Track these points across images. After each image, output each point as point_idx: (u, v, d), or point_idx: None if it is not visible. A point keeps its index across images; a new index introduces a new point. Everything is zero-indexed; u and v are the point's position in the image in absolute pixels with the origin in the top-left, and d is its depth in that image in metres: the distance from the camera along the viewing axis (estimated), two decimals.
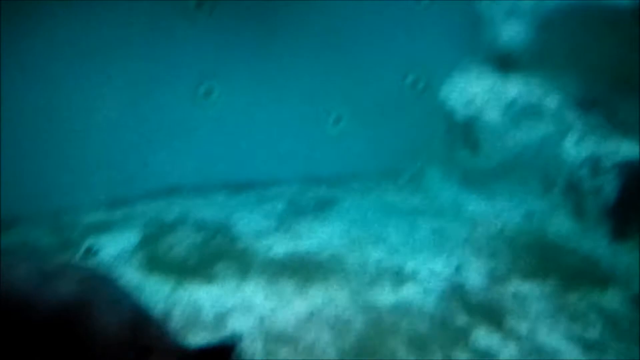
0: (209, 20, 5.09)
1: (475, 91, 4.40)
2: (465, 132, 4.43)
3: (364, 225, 4.48)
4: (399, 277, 3.66)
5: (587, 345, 3.00)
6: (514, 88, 4.22)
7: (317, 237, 4.25)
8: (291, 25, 5.24)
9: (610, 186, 3.75)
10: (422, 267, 3.77)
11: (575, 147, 3.99)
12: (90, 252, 4.25)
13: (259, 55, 5.30)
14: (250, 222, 4.59)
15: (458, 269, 3.72)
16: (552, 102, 4.10)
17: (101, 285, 1.65)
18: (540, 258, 3.84)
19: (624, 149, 3.80)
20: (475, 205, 4.51)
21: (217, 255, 4.06)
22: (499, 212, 4.38)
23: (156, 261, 4.05)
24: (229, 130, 5.44)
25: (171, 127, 5.32)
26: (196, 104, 5.29)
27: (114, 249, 4.22)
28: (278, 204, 5.00)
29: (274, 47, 5.26)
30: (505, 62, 4.34)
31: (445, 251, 3.99)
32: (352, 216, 4.64)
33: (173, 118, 5.30)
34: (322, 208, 4.84)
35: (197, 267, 3.94)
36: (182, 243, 4.27)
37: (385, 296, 3.47)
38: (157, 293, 3.49)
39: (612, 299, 3.33)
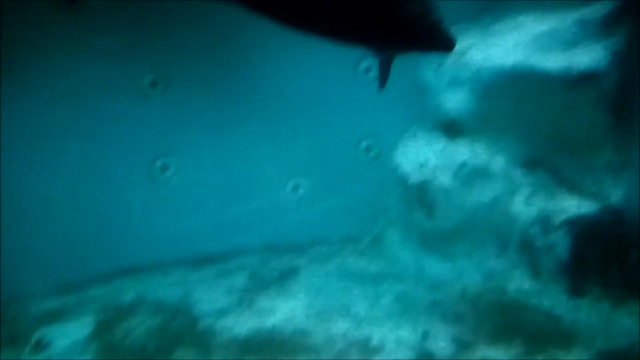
0: (163, 98, 5.11)
1: (426, 156, 4.50)
2: (420, 195, 4.48)
3: (328, 295, 4.37)
4: (367, 350, 3.54)
5: None
6: (462, 152, 4.33)
7: (280, 311, 4.10)
8: (247, 98, 5.31)
9: (562, 243, 3.82)
10: (389, 337, 3.66)
11: (525, 206, 4.08)
12: (40, 345, 3.95)
13: (216, 129, 5.30)
14: (210, 300, 4.40)
15: (424, 336, 3.63)
16: (498, 163, 4.22)
17: None
18: (503, 319, 3.81)
19: (571, 205, 3.91)
20: (435, 267, 4.50)
21: (176, 340, 3.84)
22: (460, 273, 4.37)
23: (112, 351, 3.79)
24: (187, 204, 5.33)
25: (127, 204, 5.17)
26: (152, 181, 5.19)
27: (67, 340, 3.94)
28: (239, 277, 4.84)
29: (230, 120, 5.29)
30: (451, 128, 4.48)
31: (411, 318, 3.90)
32: (316, 286, 4.53)
33: (129, 195, 5.16)
34: (284, 279, 4.71)
35: (156, 354, 3.71)
36: (139, 328, 4.03)
37: None
38: None
39: (578, 358, 3.30)
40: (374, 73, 5.21)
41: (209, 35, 5.20)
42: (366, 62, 5.17)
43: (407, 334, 3.69)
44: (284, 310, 4.11)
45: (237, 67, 5.31)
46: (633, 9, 3.73)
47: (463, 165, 4.28)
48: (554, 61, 3.82)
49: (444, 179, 4.34)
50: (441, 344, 3.55)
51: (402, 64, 4.95)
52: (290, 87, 5.31)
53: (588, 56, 3.71)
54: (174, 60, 5.10)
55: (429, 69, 4.63)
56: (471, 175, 4.26)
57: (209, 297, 4.47)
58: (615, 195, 3.88)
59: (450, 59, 4.26)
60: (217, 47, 5.22)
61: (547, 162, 4.18)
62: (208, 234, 5.33)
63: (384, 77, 3.76)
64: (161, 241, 5.25)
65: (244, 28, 5.20)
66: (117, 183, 5.11)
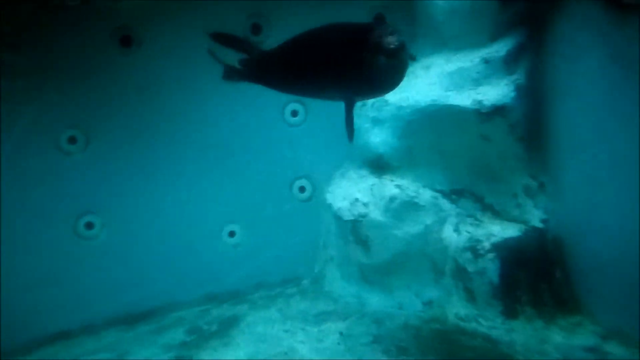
0: (85, 154, 4.84)
1: (357, 193, 4.52)
2: (354, 232, 4.47)
3: (272, 342, 4.18)
4: None
5: None
6: (391, 187, 4.39)
7: None
8: (173, 145, 5.14)
9: (492, 267, 3.91)
10: None
11: (455, 234, 4.17)
12: None
13: (145, 179, 5.06)
14: None
15: None
16: (425, 196, 4.31)
17: None
18: (445, 346, 3.80)
19: (496, 230, 4.04)
20: (377, 301, 4.46)
21: None
22: (400, 305, 4.35)
23: None
24: (118, 260, 5.00)
25: (52, 267, 4.77)
26: (78, 238, 4.84)
27: None
28: (178, 332, 4.54)
29: (159, 169, 5.07)
30: (379, 165, 4.54)
31: (355, 356, 3.82)
32: (259, 333, 4.33)
33: (53, 258, 4.77)
34: (225, 329, 4.47)
35: None
36: None
37: None
38: None
39: None
40: (301, 116, 5.26)
41: (130, 83, 5.05)
42: (292, 105, 5.21)
43: None
44: None
45: (163, 115, 5.14)
46: (531, 46, 4.02)
47: (393, 199, 4.33)
48: (466, 97, 4.00)
49: (376, 214, 4.36)
50: None
51: (328, 105, 5.05)
52: (219, 132, 5.20)
53: (495, 91, 3.92)
54: (94, 112, 4.88)
55: (355, 110, 4.71)
56: (401, 208, 4.31)
57: (144, 357, 4.15)
58: (535, 217, 4.06)
59: (371, 100, 4.37)
60: (140, 95, 5.06)
61: (471, 191, 4.32)
62: (142, 289, 5.02)
63: (350, 127, 3.74)
64: (92, 301, 4.87)
65: (169, 74, 5.10)
66: (40, 246, 4.72)
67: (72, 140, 4.87)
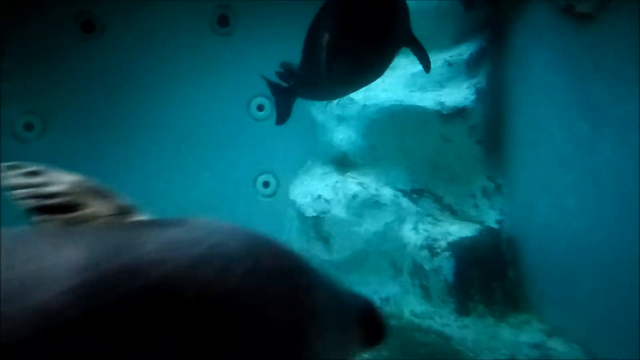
0: (41, 141, 4.68)
1: (320, 190, 4.53)
2: (316, 228, 4.48)
3: None
4: None
5: None
6: (353, 184, 4.42)
7: None
8: (134, 135, 5.02)
9: (447, 266, 3.99)
10: None
11: (413, 233, 4.24)
12: None
13: (100, 170, 4.91)
14: None
15: None
16: (387, 194, 4.36)
17: None
18: (401, 342, 3.86)
19: (453, 230, 4.13)
20: None
21: None
22: None
23: None
24: None
25: None
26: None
27: None
28: None
29: (116, 160, 4.94)
30: (342, 163, 4.57)
31: None
32: None
33: None
34: None
35: None
36: None
37: None
38: None
39: None
40: (267, 111, 5.23)
41: (91, 70, 4.90)
42: (258, 100, 5.18)
43: None
44: None
45: (125, 104, 5.02)
46: (492, 51, 4.11)
47: (354, 197, 4.37)
48: (428, 98, 4.06)
49: (338, 211, 4.39)
50: None
51: (297, 103, 5.04)
52: (182, 124, 5.12)
53: (457, 93, 4.00)
54: (52, 99, 4.72)
55: (318, 108, 4.72)
56: (363, 206, 4.35)
57: None
58: (491, 218, 4.17)
59: (335, 100, 4.39)
60: (101, 83, 4.93)
61: (430, 191, 4.40)
62: None
63: (282, 114, 3.83)
64: None
65: (132, 62, 4.98)
66: None
67: (29, 126, 4.72)
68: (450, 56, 4.10)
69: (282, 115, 3.77)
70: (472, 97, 3.99)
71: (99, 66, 4.91)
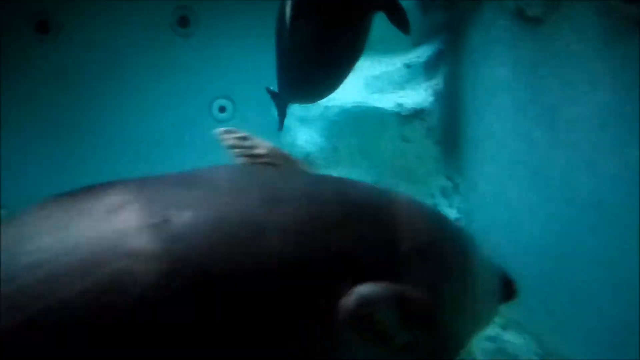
0: None
1: None
2: None
3: None
4: None
5: None
6: None
7: None
8: (92, 139, 4.91)
9: None
10: None
11: None
12: None
13: (57, 174, 4.80)
14: None
15: None
16: None
17: None
18: None
19: None
20: None
21: None
22: None
23: None
24: None
25: None
26: None
27: None
28: None
29: (73, 165, 4.83)
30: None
31: None
32: None
33: None
34: None
35: None
36: None
37: None
38: None
39: None
40: (229, 113, 5.19)
41: (47, 72, 4.77)
42: (220, 101, 5.14)
43: None
44: None
45: (81, 107, 4.90)
46: (449, 54, 4.22)
47: None
48: (388, 100, 4.13)
49: None
50: None
51: (259, 104, 5.03)
52: (142, 127, 5.04)
53: (415, 95, 4.08)
54: (6, 102, 4.57)
55: None
56: None
57: None
58: (450, 217, 4.27)
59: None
60: (58, 85, 4.80)
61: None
62: None
63: (281, 118, 3.79)
64: None
65: (89, 64, 4.87)
66: None
67: None
68: (409, 59, 4.19)
69: (281, 121, 3.78)
70: (431, 99, 4.08)
71: (54, 67, 4.77)
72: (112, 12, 4.79)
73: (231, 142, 1.59)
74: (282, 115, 3.78)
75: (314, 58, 2.56)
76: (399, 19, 2.43)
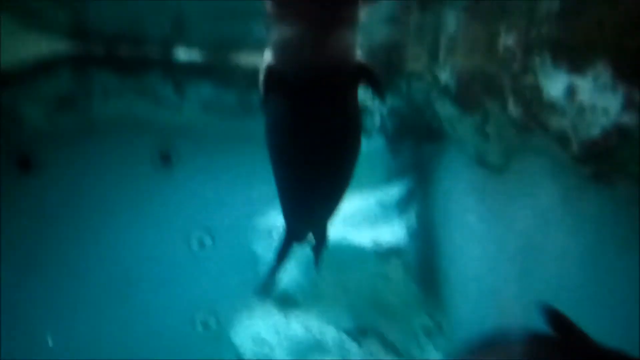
0: None
1: (262, 332, 4.34)
2: None
3: None
4: None
5: None
6: (296, 326, 4.27)
7: None
8: (69, 275, 4.80)
9: None
10: None
11: None
12: None
13: (37, 312, 4.63)
14: None
15: None
16: (330, 335, 4.21)
17: None
18: None
19: None
20: None
21: None
22: None
23: None
24: None
25: None
26: None
27: None
28: None
29: (52, 302, 4.67)
30: (285, 301, 4.45)
31: None
32: None
33: None
34: None
35: None
36: None
37: None
38: None
39: None
40: (207, 246, 5.13)
41: (29, 209, 4.78)
42: (198, 234, 5.11)
43: None
44: None
45: (60, 243, 4.85)
46: (420, 192, 4.33)
47: (297, 340, 4.19)
48: (364, 236, 4.13)
49: (280, 354, 4.18)
50: None
51: (237, 236, 5.01)
52: (120, 261, 4.95)
53: (390, 232, 4.10)
54: None
55: (259, 243, 4.71)
56: (306, 349, 4.16)
57: None
58: (435, 357, 4.07)
59: (276, 235, 4.39)
60: (39, 222, 4.78)
61: (374, 329, 4.29)
62: None
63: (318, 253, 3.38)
64: None
65: (68, 199, 4.89)
66: None
67: None
68: (382, 196, 4.28)
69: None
70: (405, 237, 4.09)
71: (35, 203, 4.79)
72: (93, 149, 4.93)
73: None
74: (279, 262, 3.34)
75: (298, 142, 2.26)
76: (377, 87, 2.31)
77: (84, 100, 4.62)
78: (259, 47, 3.98)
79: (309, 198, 2.65)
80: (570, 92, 2.33)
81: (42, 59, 4.19)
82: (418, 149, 4.26)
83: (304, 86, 2.09)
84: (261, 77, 2.14)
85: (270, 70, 2.11)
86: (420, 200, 4.26)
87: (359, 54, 2.17)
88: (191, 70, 4.57)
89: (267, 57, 2.16)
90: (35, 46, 4.11)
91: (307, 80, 2.07)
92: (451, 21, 3.23)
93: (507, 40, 2.78)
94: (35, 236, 4.76)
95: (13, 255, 4.65)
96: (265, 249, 4.70)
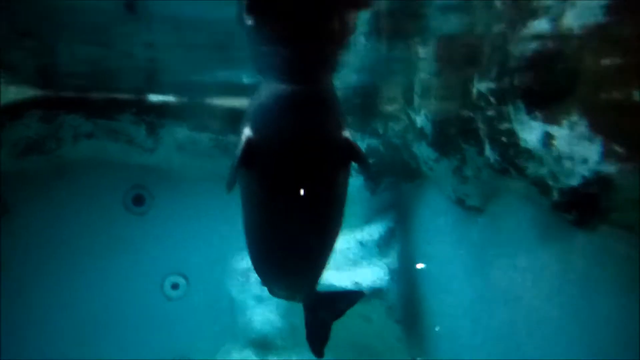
0: None
1: None
2: None
3: None
4: None
5: None
6: None
7: None
8: (38, 321, 4.53)
9: None
10: None
11: None
12: None
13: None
14: None
15: None
16: None
17: None
18: None
19: None
20: None
21: None
22: None
23: None
24: None
25: None
26: None
27: None
28: None
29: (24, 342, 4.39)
30: (263, 345, 4.29)
31: None
32: None
33: None
34: None
35: None
36: None
37: None
38: None
39: None
40: (181, 290, 4.92)
41: None
42: (172, 278, 4.91)
43: None
44: None
45: (32, 285, 4.59)
46: (399, 231, 4.30)
47: None
48: (345, 277, 4.04)
49: None
50: None
51: (211, 279, 4.84)
52: (91, 305, 4.70)
53: (371, 273, 4.03)
54: None
55: (235, 285, 4.55)
56: None
57: None
58: None
59: (253, 277, 4.26)
60: (8, 265, 4.53)
61: None
62: None
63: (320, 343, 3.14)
64: None
65: (42, 244, 4.66)
66: None
67: None
68: (362, 236, 4.22)
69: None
70: (386, 278, 4.03)
71: (5, 245, 4.55)
72: (64, 191, 4.74)
73: None
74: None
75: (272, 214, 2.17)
76: (367, 169, 2.26)
77: (53, 143, 4.46)
78: (233, 90, 3.97)
79: (285, 273, 2.63)
80: (547, 140, 2.36)
81: (9, 104, 4.04)
82: (397, 188, 4.25)
83: (285, 164, 2.00)
84: (238, 149, 2.02)
85: (249, 143, 2.00)
86: (401, 239, 4.22)
87: (347, 132, 2.07)
88: (165, 113, 4.48)
89: (246, 129, 2.04)
90: (3, 93, 3.98)
91: (289, 158, 1.98)
92: (424, 67, 3.27)
93: (480, 86, 2.82)
94: (2, 280, 4.50)
95: None
96: (241, 291, 4.56)
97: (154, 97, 4.43)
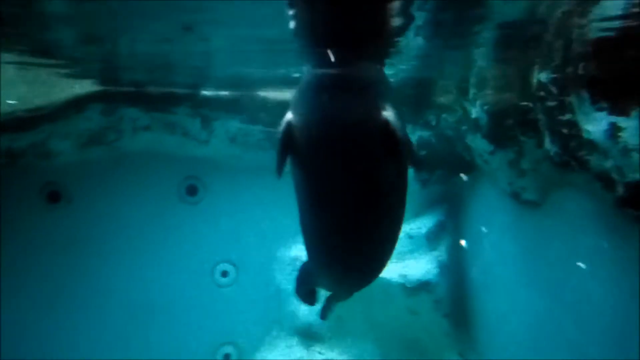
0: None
1: None
2: None
3: None
4: None
5: None
6: None
7: None
8: (97, 305, 4.76)
9: None
10: None
11: None
12: None
13: (63, 344, 4.57)
14: None
15: None
16: None
17: None
18: None
19: None
20: None
21: None
22: None
23: None
24: None
25: None
26: None
27: None
28: None
29: (78, 332, 4.62)
30: (308, 334, 4.33)
31: None
32: None
33: None
34: None
35: None
36: None
37: None
38: None
39: None
40: (231, 277, 5.04)
41: (58, 240, 4.77)
42: (222, 266, 5.03)
43: None
44: None
45: (88, 273, 4.82)
46: (450, 225, 4.21)
47: None
48: (392, 271, 4.02)
49: None
50: None
51: (260, 268, 4.91)
52: (145, 292, 4.89)
53: (419, 267, 3.98)
54: (11, 268, 4.51)
55: (282, 274, 4.60)
56: None
57: None
58: None
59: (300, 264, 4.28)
60: (65, 253, 4.77)
61: None
62: None
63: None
64: None
65: (96, 232, 4.88)
66: None
67: None
68: (411, 229, 4.16)
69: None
70: (435, 271, 3.97)
71: (64, 234, 4.79)
72: (121, 183, 4.93)
73: None
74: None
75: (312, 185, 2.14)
76: (413, 159, 2.19)
77: (113, 135, 4.66)
78: (285, 84, 4.00)
79: (340, 268, 2.59)
80: (613, 131, 2.24)
81: (74, 98, 4.26)
82: (449, 181, 4.16)
83: (319, 146, 2.01)
84: (279, 132, 2.08)
85: (289, 126, 2.06)
86: (452, 233, 4.14)
87: (389, 114, 2.02)
88: (218, 106, 4.59)
89: (288, 113, 2.10)
90: (68, 88, 4.20)
91: (321, 140, 1.99)
92: (481, 57, 3.19)
93: (541, 76, 2.71)
94: (64, 265, 4.74)
95: (43, 283, 4.64)
96: (287, 280, 4.61)
97: (208, 92, 4.55)
